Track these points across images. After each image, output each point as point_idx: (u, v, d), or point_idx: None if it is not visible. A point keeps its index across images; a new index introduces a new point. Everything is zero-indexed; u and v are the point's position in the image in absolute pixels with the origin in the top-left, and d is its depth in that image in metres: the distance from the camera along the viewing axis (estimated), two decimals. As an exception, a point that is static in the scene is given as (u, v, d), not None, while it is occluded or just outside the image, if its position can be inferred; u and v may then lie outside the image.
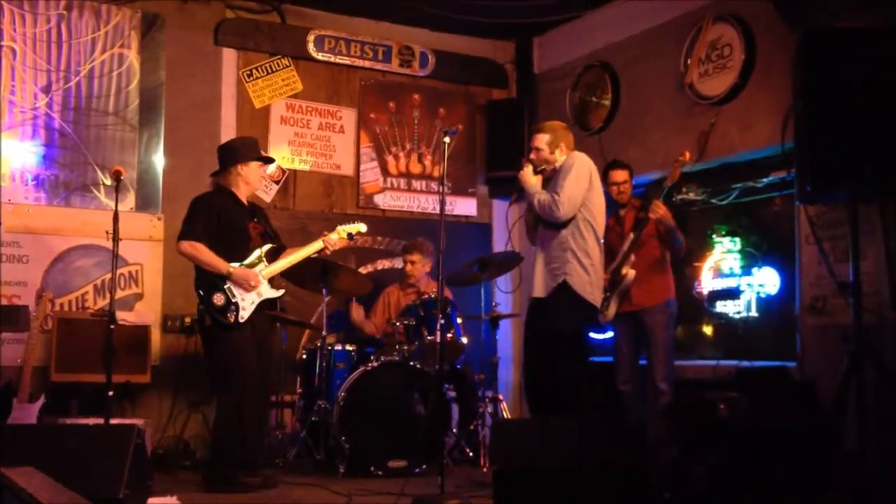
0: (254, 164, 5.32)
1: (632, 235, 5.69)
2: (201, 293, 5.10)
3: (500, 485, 3.99)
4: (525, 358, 5.42)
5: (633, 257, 5.65)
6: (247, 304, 5.12)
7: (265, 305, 5.27)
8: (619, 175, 5.90)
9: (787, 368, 5.14)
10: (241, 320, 5.08)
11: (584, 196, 5.07)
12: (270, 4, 7.10)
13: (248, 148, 5.38)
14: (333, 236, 5.47)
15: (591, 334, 6.48)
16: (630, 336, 5.80)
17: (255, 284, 5.13)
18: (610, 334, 6.90)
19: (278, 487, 5.15)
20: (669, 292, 5.77)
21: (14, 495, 3.13)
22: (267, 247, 5.30)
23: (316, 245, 5.41)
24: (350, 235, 5.56)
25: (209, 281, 5.10)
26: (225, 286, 5.09)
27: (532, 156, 5.27)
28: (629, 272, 5.63)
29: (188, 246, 5.12)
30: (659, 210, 5.53)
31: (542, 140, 5.24)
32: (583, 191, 5.07)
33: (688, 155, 5.52)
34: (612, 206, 5.93)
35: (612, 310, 5.72)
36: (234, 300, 5.09)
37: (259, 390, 5.21)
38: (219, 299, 5.07)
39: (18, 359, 5.81)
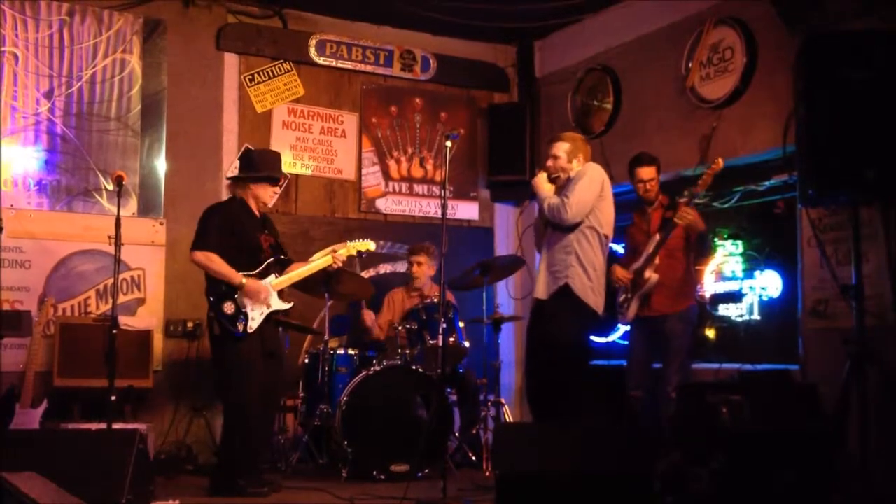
0: (265, 183, 5.36)
1: (657, 237, 5.58)
2: (211, 300, 5.12)
3: (503, 489, 4.00)
4: (526, 361, 5.41)
5: (657, 260, 5.59)
6: (256, 315, 5.13)
7: (272, 316, 5.27)
8: (646, 172, 5.75)
9: (789, 372, 5.14)
10: (249, 330, 5.10)
11: (593, 203, 5.09)
12: (272, 9, 7.11)
13: (264, 167, 5.38)
14: (342, 252, 5.48)
15: (594, 338, 6.48)
16: (645, 341, 5.71)
17: (265, 298, 5.16)
18: (613, 337, 6.92)
19: (280, 492, 5.15)
20: (691, 300, 5.68)
21: (17, 500, 3.14)
22: (272, 259, 5.31)
23: (325, 261, 5.44)
24: (360, 253, 5.62)
25: (220, 290, 5.12)
26: (235, 296, 5.11)
27: (549, 163, 5.29)
28: (652, 276, 5.55)
29: (202, 256, 5.14)
30: (688, 216, 5.43)
31: (560, 148, 5.27)
32: (593, 197, 5.10)
33: (721, 162, 5.38)
34: (638, 202, 5.89)
35: (631, 311, 5.68)
36: (243, 310, 5.10)
37: (266, 399, 5.21)
38: (229, 308, 5.09)
39: (21, 364, 5.81)
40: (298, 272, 5.38)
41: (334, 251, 5.46)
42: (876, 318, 4.66)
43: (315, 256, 5.56)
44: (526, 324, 5.58)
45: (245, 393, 5.06)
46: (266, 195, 5.42)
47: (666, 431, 5.12)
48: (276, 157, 5.63)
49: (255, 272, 5.20)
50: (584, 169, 5.19)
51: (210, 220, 5.24)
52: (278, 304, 5.27)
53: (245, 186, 5.35)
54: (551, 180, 5.25)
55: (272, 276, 5.26)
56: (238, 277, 5.11)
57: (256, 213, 5.39)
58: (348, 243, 5.60)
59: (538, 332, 5.19)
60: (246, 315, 5.11)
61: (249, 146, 6.72)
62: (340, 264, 5.49)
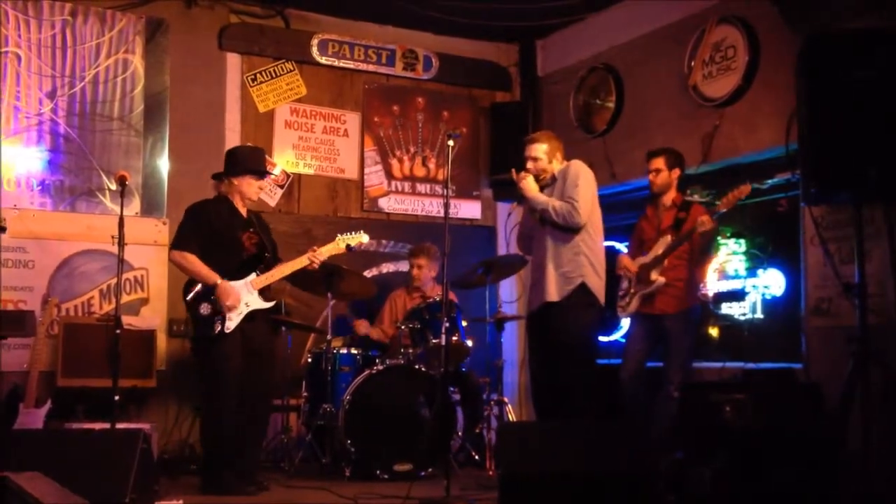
0: (248, 177, 5.33)
1: (669, 239, 5.55)
2: (187, 301, 5.13)
3: (506, 488, 4.00)
4: (534, 363, 5.39)
5: (665, 262, 5.59)
6: (233, 315, 5.11)
7: (257, 315, 5.24)
8: (651, 163, 5.76)
9: (792, 370, 5.14)
10: (227, 330, 5.09)
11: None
12: (274, 9, 7.11)
13: (245, 161, 5.38)
14: (324, 250, 5.43)
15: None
16: (644, 336, 5.68)
17: (232, 305, 5.09)
18: (616, 336, 6.91)
19: (269, 492, 5.13)
20: (694, 300, 5.68)
21: (21, 500, 3.14)
22: (253, 257, 5.29)
23: (302, 261, 5.36)
24: (349, 247, 5.55)
25: (196, 291, 5.13)
26: (212, 297, 5.11)
27: (530, 165, 5.36)
28: (659, 279, 5.52)
29: (178, 256, 5.17)
30: (707, 225, 5.39)
31: (539, 150, 5.37)
32: (594, 196, 5.25)
33: (748, 188, 5.32)
34: (650, 195, 5.89)
35: (632, 306, 5.66)
36: (220, 310, 5.09)
37: (253, 398, 5.20)
38: (205, 309, 5.09)
39: (25, 364, 5.82)
40: (280, 270, 5.31)
41: (314, 251, 5.42)
42: (879, 316, 4.65)
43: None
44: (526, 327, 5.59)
45: (218, 393, 5.05)
46: (251, 190, 5.36)
47: (668, 430, 5.12)
48: (259, 152, 5.63)
49: (233, 270, 5.18)
50: (574, 168, 5.28)
51: (187, 219, 5.26)
52: (258, 303, 5.22)
53: (229, 183, 5.33)
54: (536, 181, 5.33)
55: (252, 275, 5.24)
56: (213, 277, 5.09)
57: (242, 210, 5.37)
58: (339, 237, 5.57)
59: (550, 331, 5.19)
60: (223, 315, 5.09)
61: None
62: (317, 265, 5.43)
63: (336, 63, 7.32)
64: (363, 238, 5.63)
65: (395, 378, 5.78)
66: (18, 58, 6.33)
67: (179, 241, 5.20)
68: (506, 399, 6.32)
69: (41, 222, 6.29)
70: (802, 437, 4.06)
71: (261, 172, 5.46)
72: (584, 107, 7.25)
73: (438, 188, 7.65)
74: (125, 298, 6.35)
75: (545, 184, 5.34)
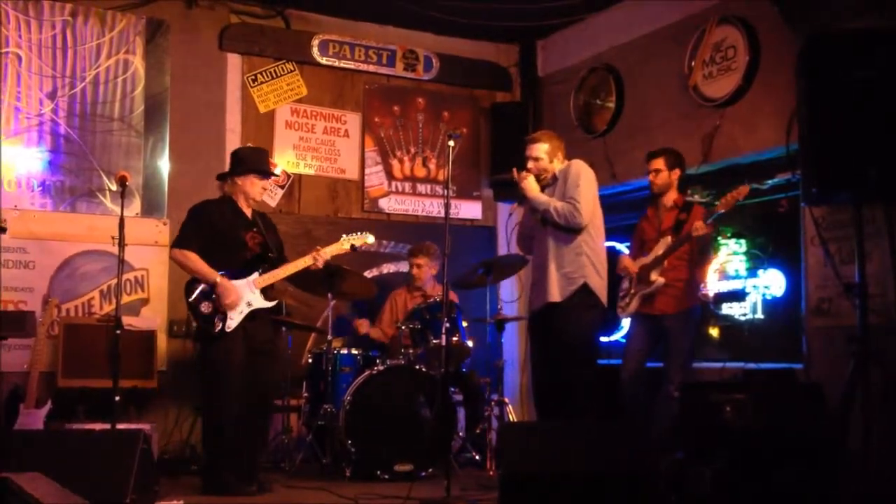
0: (252, 177, 5.35)
1: (670, 240, 5.56)
2: (189, 301, 5.14)
3: (507, 488, 4.00)
4: (536, 363, 5.40)
5: (665, 263, 5.60)
6: (234, 314, 5.12)
7: (259, 314, 5.25)
8: (651, 163, 5.78)
9: (793, 370, 5.14)
10: (228, 329, 5.09)
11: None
12: (275, 9, 7.12)
13: (249, 160, 5.40)
14: (328, 251, 5.44)
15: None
16: (645, 336, 5.69)
17: (231, 304, 5.10)
18: (616, 336, 6.91)
19: (271, 492, 5.13)
20: (694, 301, 5.69)
21: (21, 500, 3.14)
22: (257, 256, 5.29)
23: (305, 261, 5.37)
24: (353, 247, 5.56)
25: (198, 289, 5.13)
26: (213, 295, 5.11)
27: (530, 165, 5.36)
28: (658, 279, 5.53)
29: (179, 254, 5.19)
30: (701, 231, 5.41)
31: (541, 150, 5.37)
32: (595, 197, 5.25)
33: (747, 189, 5.35)
34: (651, 196, 5.90)
35: (632, 307, 5.68)
36: (221, 309, 5.10)
37: (258, 398, 5.21)
38: (206, 308, 5.10)
39: (25, 364, 5.82)
40: (281, 270, 5.32)
41: (317, 251, 5.43)
42: (880, 316, 4.65)
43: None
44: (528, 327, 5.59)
45: (219, 392, 5.06)
46: (254, 190, 5.38)
47: (668, 430, 5.12)
48: (263, 152, 5.67)
49: (235, 269, 5.19)
50: (575, 168, 5.28)
51: (189, 219, 5.29)
52: (260, 303, 5.23)
53: (233, 183, 5.36)
54: (537, 181, 5.34)
55: (255, 274, 5.24)
56: (213, 276, 5.11)
57: (246, 210, 5.38)
58: (343, 237, 5.58)
59: (552, 332, 5.20)
60: (224, 314, 5.10)
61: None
62: (321, 265, 5.44)
63: (336, 63, 7.32)
64: (368, 239, 5.65)
65: (395, 378, 5.78)
66: (19, 58, 6.33)
67: (181, 240, 5.23)
68: (506, 399, 6.31)
69: (42, 223, 6.30)
70: (803, 437, 4.06)
71: (264, 172, 5.50)
72: (585, 107, 7.25)
73: (439, 188, 7.65)
74: (125, 299, 6.36)
75: (546, 184, 5.35)
